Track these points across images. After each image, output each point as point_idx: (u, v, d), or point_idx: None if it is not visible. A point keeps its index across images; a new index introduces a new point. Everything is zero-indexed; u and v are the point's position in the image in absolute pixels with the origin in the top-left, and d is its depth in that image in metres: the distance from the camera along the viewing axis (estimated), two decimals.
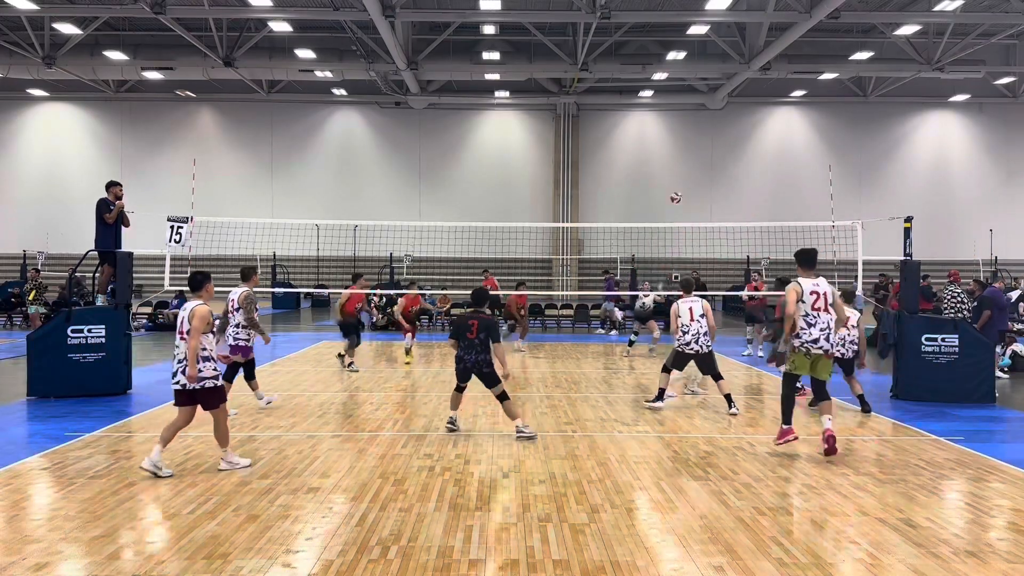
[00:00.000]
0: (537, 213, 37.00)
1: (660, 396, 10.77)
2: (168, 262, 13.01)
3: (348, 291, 14.58)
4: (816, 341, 7.89)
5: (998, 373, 12.52)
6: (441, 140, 37.58)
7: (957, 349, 11.31)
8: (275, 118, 37.52)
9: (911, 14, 26.43)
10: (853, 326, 10.40)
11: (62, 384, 11.13)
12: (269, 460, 7.87)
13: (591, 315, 24.14)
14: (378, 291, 22.50)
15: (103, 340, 11.34)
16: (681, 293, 11.21)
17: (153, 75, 31.93)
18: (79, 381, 11.18)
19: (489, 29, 28.96)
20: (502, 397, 8.90)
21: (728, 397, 10.50)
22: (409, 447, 8.46)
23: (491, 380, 8.89)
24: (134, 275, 12.72)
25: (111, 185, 12.18)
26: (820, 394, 8.09)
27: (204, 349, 7.43)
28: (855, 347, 10.55)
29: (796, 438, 8.14)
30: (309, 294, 30.80)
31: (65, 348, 11.19)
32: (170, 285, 13.55)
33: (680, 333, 10.77)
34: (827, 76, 32.56)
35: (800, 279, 8.08)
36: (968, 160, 37.73)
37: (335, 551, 5.48)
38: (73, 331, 11.23)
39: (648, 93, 35.62)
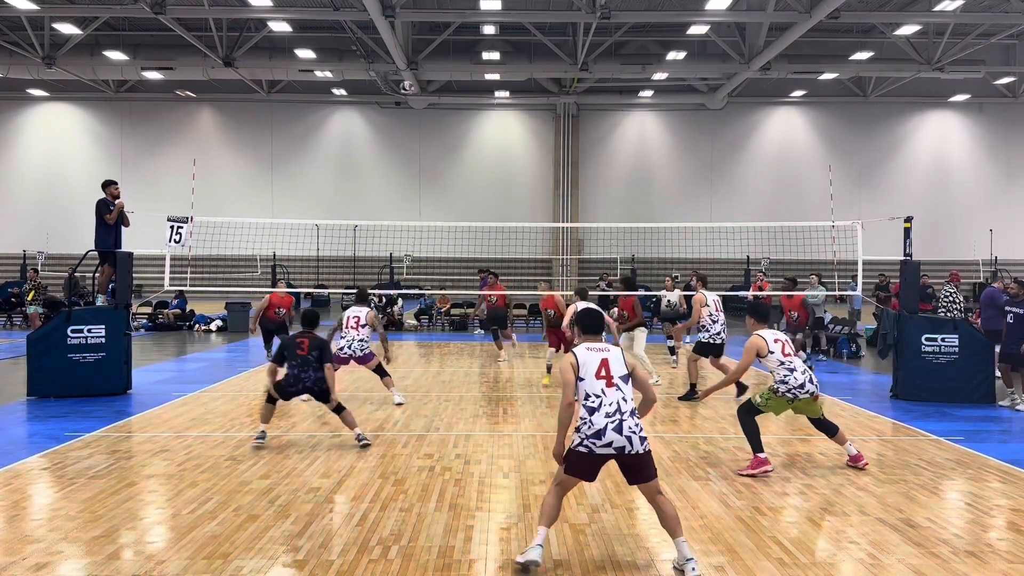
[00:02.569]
0: (537, 213, 37.00)
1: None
2: (168, 262, 13.00)
3: (266, 298, 14.09)
4: (803, 386, 7.38)
5: (998, 373, 12.50)
6: (441, 140, 37.58)
7: (957, 349, 11.30)
8: (275, 118, 37.51)
9: (911, 14, 26.43)
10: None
11: (62, 384, 11.13)
12: (270, 460, 7.87)
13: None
14: (378, 291, 22.49)
15: (103, 340, 11.33)
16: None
17: (153, 75, 31.92)
18: (79, 381, 11.17)
19: (489, 29, 28.95)
20: (338, 409, 8.50)
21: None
22: (409, 447, 8.47)
23: (326, 397, 8.47)
24: (134, 275, 12.72)
25: (108, 184, 12.17)
26: (829, 429, 7.64)
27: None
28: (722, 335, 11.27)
29: (770, 470, 7.40)
30: (309, 294, 30.79)
31: (65, 348, 11.18)
32: (170, 285, 13.55)
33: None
34: (827, 76, 32.56)
35: (761, 332, 7.72)
36: (968, 160, 37.74)
37: (336, 551, 5.48)
38: (73, 331, 11.23)
39: (648, 93, 35.62)
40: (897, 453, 8.39)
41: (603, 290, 25.00)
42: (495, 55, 30.12)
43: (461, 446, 8.55)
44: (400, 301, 23.70)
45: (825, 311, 17.29)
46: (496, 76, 32.59)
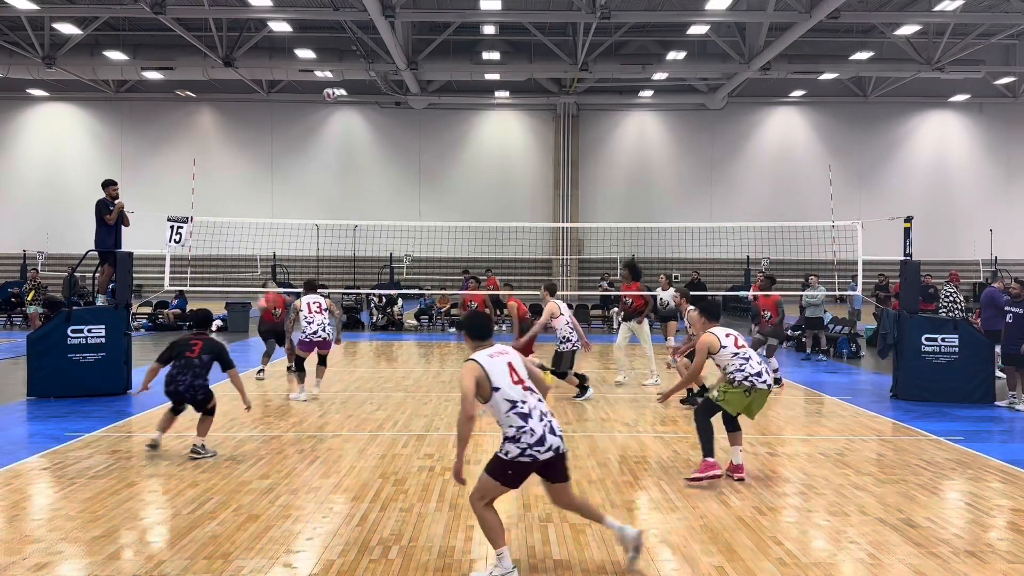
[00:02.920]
0: (537, 213, 37.00)
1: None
2: (168, 262, 13.00)
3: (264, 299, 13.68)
4: (760, 375, 7.14)
5: (998, 373, 12.50)
6: (441, 140, 37.58)
7: (957, 349, 11.31)
8: (275, 118, 37.50)
9: (911, 14, 26.43)
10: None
11: (62, 384, 11.13)
12: (270, 460, 7.87)
13: (591, 315, 24.11)
14: (377, 291, 22.49)
15: (103, 340, 11.33)
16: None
17: (153, 75, 31.92)
18: (79, 381, 11.17)
19: (489, 29, 28.95)
20: (209, 411, 8.16)
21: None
22: (409, 447, 8.47)
23: (205, 403, 8.11)
24: (134, 275, 12.72)
25: (107, 184, 12.17)
26: (732, 424, 7.33)
27: None
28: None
29: (720, 475, 7.10)
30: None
31: (65, 348, 11.18)
32: (170, 285, 13.55)
33: (568, 331, 11.39)
34: (827, 76, 32.55)
35: (713, 330, 7.42)
36: (968, 160, 37.74)
37: (336, 551, 5.48)
38: (73, 331, 11.23)
39: (648, 93, 35.61)
40: (897, 453, 8.39)
41: (604, 290, 25.02)
42: (495, 55, 30.12)
43: None
44: (400, 301, 23.70)
45: (824, 311, 17.30)
46: (496, 76, 32.59)
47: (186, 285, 16.58)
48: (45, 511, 6.31)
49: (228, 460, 7.85)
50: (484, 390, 5.02)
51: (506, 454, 4.97)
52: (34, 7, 24.43)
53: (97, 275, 12.56)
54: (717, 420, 7.22)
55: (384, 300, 22.98)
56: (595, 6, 23.98)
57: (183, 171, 34.46)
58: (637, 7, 26.47)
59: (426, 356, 16.96)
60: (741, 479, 7.16)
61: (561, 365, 11.37)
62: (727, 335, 7.33)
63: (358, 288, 30.03)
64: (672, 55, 29.73)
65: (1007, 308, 11.23)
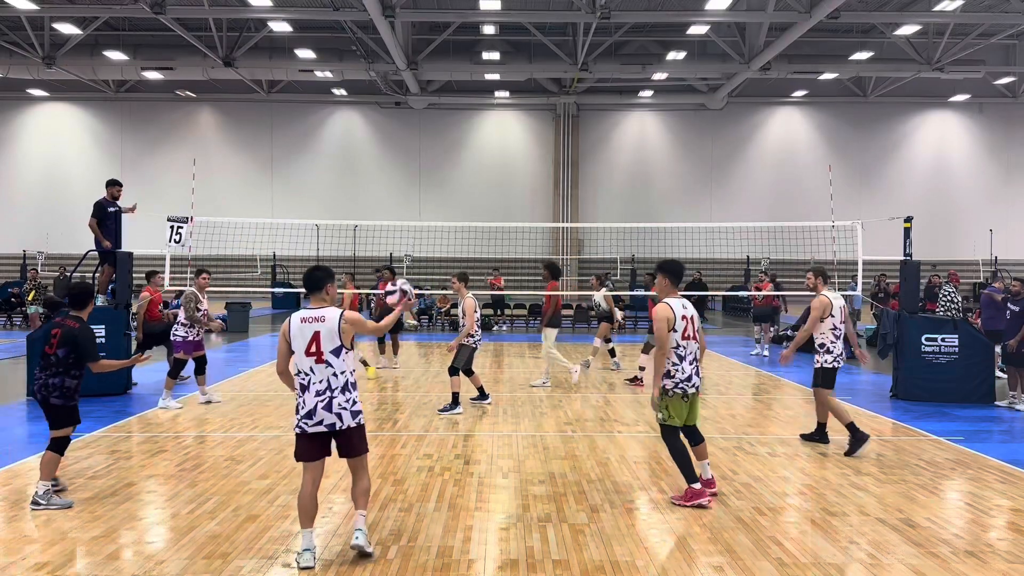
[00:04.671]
0: (537, 213, 37.00)
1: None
2: (168, 262, 13.01)
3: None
4: (690, 379, 6.53)
5: (998, 373, 12.51)
6: (441, 140, 37.58)
7: (957, 349, 11.31)
8: (275, 118, 37.51)
9: (911, 14, 26.42)
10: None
11: None
12: (269, 460, 7.87)
13: (590, 316, 24.10)
14: (377, 291, 22.45)
15: (103, 340, 11.31)
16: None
17: (153, 75, 31.93)
18: None
19: (489, 29, 28.95)
20: (56, 445, 6.46)
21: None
22: (409, 447, 8.46)
23: (59, 418, 6.48)
24: (134, 275, 12.72)
25: (110, 184, 12.18)
26: (694, 436, 6.75)
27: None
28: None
29: (713, 496, 6.64)
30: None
31: None
32: (170, 285, 13.54)
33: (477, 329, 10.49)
34: (827, 76, 32.55)
35: (670, 300, 6.61)
36: (968, 160, 37.74)
37: (335, 551, 5.48)
38: None
39: (648, 93, 35.62)
40: (897, 453, 8.39)
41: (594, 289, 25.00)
42: (495, 55, 30.12)
43: (460, 446, 8.55)
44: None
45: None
46: (496, 76, 32.59)
47: (186, 285, 16.56)
48: (44, 511, 6.30)
49: (227, 460, 7.84)
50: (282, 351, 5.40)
51: (294, 426, 5.34)
52: (34, 7, 24.44)
53: (97, 275, 12.56)
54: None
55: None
56: (595, 6, 23.97)
57: (183, 171, 34.49)
58: (637, 7, 26.47)
59: (426, 356, 16.96)
60: (714, 494, 6.70)
61: (463, 361, 10.54)
62: (681, 317, 6.52)
63: (358, 288, 30.05)
64: (672, 55, 29.73)
65: (1009, 306, 11.23)
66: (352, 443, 5.32)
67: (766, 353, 17.02)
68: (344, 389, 5.26)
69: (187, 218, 12.45)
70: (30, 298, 20.71)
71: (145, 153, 37.25)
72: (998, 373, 12.50)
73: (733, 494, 6.83)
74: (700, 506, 6.44)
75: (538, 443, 8.68)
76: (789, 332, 19.29)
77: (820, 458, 8.10)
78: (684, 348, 6.51)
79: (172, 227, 12.28)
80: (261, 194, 37.21)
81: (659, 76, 31.94)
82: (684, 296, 6.81)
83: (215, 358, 16.40)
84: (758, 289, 17.60)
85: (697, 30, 27.08)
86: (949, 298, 13.57)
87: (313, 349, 5.19)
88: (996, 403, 11.23)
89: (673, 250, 28.07)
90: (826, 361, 8.44)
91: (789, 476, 7.44)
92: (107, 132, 37.64)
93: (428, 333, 22.48)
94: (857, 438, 8.21)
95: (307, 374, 5.21)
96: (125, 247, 12.31)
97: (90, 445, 8.45)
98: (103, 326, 11.35)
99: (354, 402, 5.33)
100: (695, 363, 6.60)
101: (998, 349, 12.00)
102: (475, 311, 10.52)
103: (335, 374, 5.22)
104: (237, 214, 31.58)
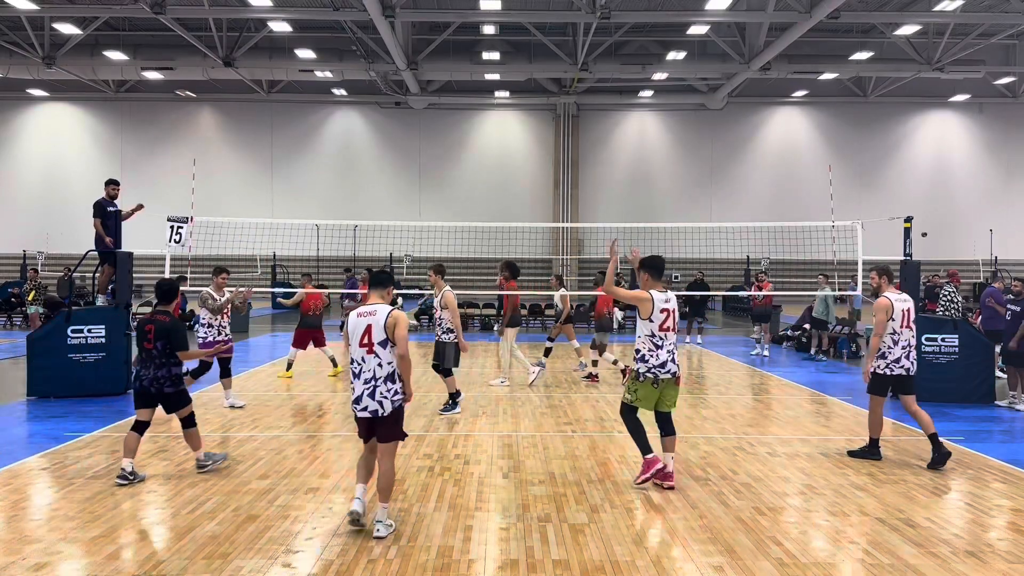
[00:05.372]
0: (537, 213, 37.01)
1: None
2: (168, 262, 13.00)
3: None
4: (664, 365, 6.85)
5: (998, 373, 12.51)
6: (441, 140, 37.59)
7: (957, 349, 11.30)
8: (275, 118, 37.52)
9: (911, 14, 26.43)
10: None
11: (62, 384, 11.13)
12: (269, 460, 7.86)
13: (590, 315, 24.09)
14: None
15: (103, 340, 11.34)
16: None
17: (153, 75, 31.94)
18: (79, 381, 11.18)
19: (489, 29, 28.95)
20: (187, 423, 7.33)
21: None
22: (409, 447, 8.45)
23: (177, 402, 7.25)
24: (134, 275, 12.72)
25: (109, 183, 12.18)
26: (667, 427, 7.04)
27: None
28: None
29: (664, 467, 6.93)
30: (308, 294, 30.86)
31: (65, 348, 11.18)
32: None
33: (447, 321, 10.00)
34: (827, 76, 32.57)
35: (653, 291, 6.96)
36: (968, 160, 37.75)
37: (335, 551, 5.47)
38: (73, 331, 11.23)
39: (648, 93, 35.63)
40: (897, 453, 8.38)
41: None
42: (495, 55, 30.12)
43: (461, 446, 8.54)
44: (400, 301, 23.66)
45: (832, 313, 17.27)
46: (496, 76, 32.59)
47: (186, 285, 16.55)
48: (44, 511, 6.31)
49: (227, 460, 7.83)
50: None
51: None
52: (34, 7, 24.44)
53: (97, 275, 12.56)
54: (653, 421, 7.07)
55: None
56: (595, 6, 23.97)
57: (183, 171, 34.50)
58: (637, 7, 26.48)
59: (426, 356, 16.96)
60: (671, 487, 6.85)
61: (447, 360, 10.35)
62: (661, 310, 6.89)
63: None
64: (672, 55, 29.74)
65: (1008, 307, 11.23)
66: (385, 429, 5.83)
67: (766, 353, 17.02)
68: (388, 379, 5.77)
69: (187, 218, 12.44)
70: (30, 298, 20.70)
71: (145, 153, 37.26)
72: (998, 373, 12.50)
73: (733, 494, 6.83)
74: (659, 473, 6.89)
75: (538, 443, 8.68)
76: (789, 332, 19.31)
77: (820, 458, 8.09)
78: (662, 338, 6.90)
79: (172, 227, 12.27)
80: (261, 194, 37.22)
81: (659, 76, 31.95)
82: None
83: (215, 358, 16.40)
84: (758, 289, 17.60)
85: (697, 30, 27.09)
86: (949, 298, 13.57)
87: (365, 340, 5.76)
88: (996, 403, 11.24)
89: (673, 250, 28.12)
90: (878, 367, 8.01)
91: (789, 476, 7.44)
92: (107, 132, 37.65)
93: (428, 333, 22.46)
94: (871, 452, 8.07)
95: (359, 363, 5.80)
96: (125, 247, 12.30)
97: (90, 445, 8.45)
98: (103, 326, 11.35)
99: (396, 392, 5.82)
100: (672, 353, 6.92)
101: (998, 349, 11.99)
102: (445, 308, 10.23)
103: (380, 364, 5.76)
104: (237, 214, 31.61)
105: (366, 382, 5.74)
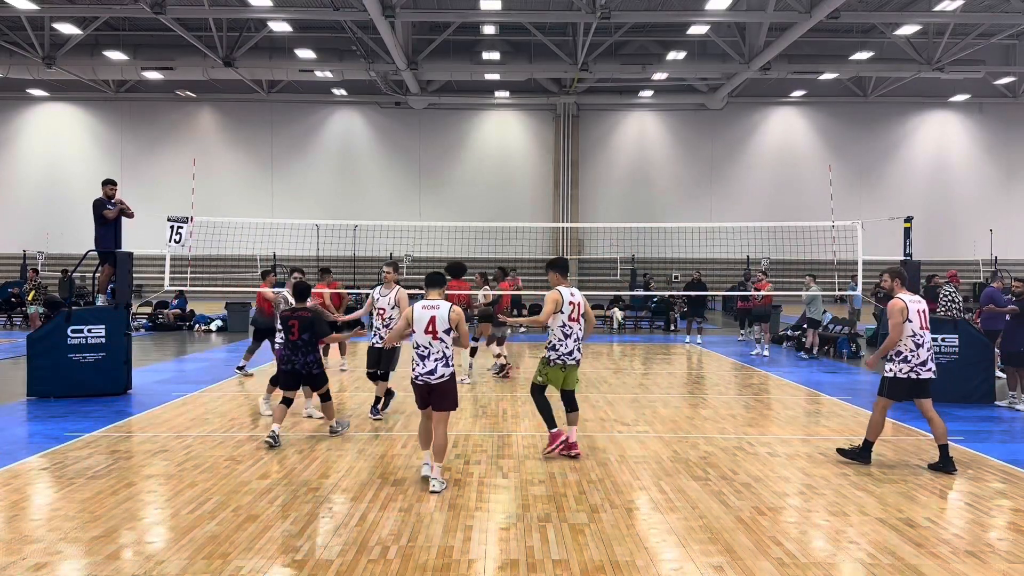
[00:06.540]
0: (537, 213, 37.01)
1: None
2: (168, 262, 13.01)
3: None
4: (571, 352, 7.98)
5: (998, 373, 12.50)
6: (441, 140, 37.58)
7: (957, 349, 11.30)
8: (275, 118, 37.51)
9: (911, 14, 26.43)
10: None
11: (62, 384, 11.13)
12: (269, 460, 7.86)
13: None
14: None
15: (103, 340, 11.33)
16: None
17: (153, 75, 31.93)
18: (79, 381, 11.17)
19: (489, 29, 28.95)
20: (325, 397, 8.95)
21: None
22: (409, 447, 8.46)
23: (319, 381, 8.85)
24: (134, 275, 12.72)
25: (105, 183, 12.18)
26: (572, 404, 8.15)
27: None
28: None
29: (566, 439, 7.99)
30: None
31: (65, 348, 11.18)
32: (170, 285, 13.55)
33: (382, 323, 9.71)
34: (827, 76, 32.57)
35: (560, 288, 8.02)
36: (968, 160, 37.74)
37: (335, 551, 5.47)
38: (73, 331, 11.23)
39: (648, 93, 35.62)
40: (897, 453, 8.38)
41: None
42: (495, 55, 30.12)
43: (461, 446, 8.54)
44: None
45: (824, 311, 17.29)
46: (496, 76, 32.59)
47: (186, 285, 16.57)
48: (44, 511, 6.31)
49: (227, 460, 7.84)
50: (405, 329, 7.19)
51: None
52: (34, 7, 24.44)
53: (97, 275, 12.56)
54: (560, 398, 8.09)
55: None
56: (595, 6, 23.97)
57: (183, 171, 34.49)
58: (637, 7, 26.47)
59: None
60: (577, 455, 7.94)
61: (393, 363, 10.02)
62: (569, 303, 7.95)
63: (358, 288, 30.04)
64: (672, 55, 29.74)
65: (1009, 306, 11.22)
66: (440, 399, 6.98)
67: (766, 353, 17.02)
68: (449, 358, 7.02)
69: (187, 218, 12.45)
70: (30, 298, 20.70)
71: (145, 153, 37.25)
72: (998, 373, 12.50)
73: (733, 494, 6.83)
74: (563, 444, 7.92)
75: (538, 443, 8.67)
76: (789, 332, 19.31)
77: (820, 458, 8.09)
78: (569, 328, 7.97)
79: (172, 227, 12.28)
80: (261, 194, 37.21)
81: (659, 76, 31.95)
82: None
83: (215, 358, 16.42)
84: (757, 289, 17.60)
85: (697, 30, 27.09)
86: (950, 298, 13.56)
87: (430, 329, 6.95)
88: (996, 403, 11.24)
89: (673, 250, 28.18)
90: (900, 370, 7.66)
91: (789, 476, 7.44)
92: (107, 132, 37.64)
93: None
94: (862, 455, 7.85)
95: (426, 347, 6.95)
96: (125, 247, 12.30)
97: (90, 445, 8.45)
98: (103, 326, 11.34)
99: (449, 364, 7.01)
100: (578, 342, 8.03)
101: (998, 349, 11.99)
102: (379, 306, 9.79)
103: (446, 347, 6.97)
104: (237, 214, 31.59)
105: (436, 360, 6.93)
